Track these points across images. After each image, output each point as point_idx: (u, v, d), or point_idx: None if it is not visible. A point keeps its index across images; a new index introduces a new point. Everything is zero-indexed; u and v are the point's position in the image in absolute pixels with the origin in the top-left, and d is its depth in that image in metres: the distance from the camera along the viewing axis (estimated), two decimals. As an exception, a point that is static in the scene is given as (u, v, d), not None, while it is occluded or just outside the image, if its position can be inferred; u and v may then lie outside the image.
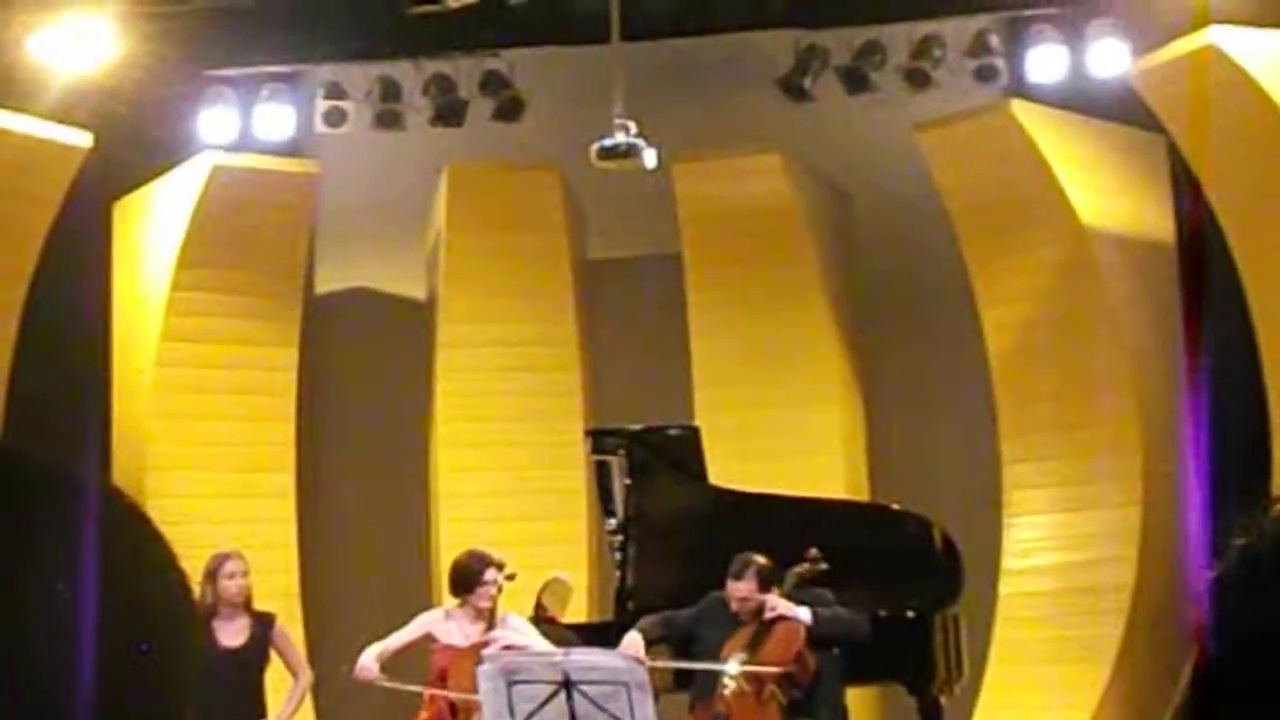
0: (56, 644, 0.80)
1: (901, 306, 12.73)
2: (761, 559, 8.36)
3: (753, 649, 8.19)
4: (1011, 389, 11.67)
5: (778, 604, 8.23)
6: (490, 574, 8.53)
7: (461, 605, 8.65)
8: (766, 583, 8.30)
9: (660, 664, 8.40)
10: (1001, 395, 11.71)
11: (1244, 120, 10.25)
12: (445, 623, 8.66)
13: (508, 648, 8.32)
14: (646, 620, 8.58)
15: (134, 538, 0.86)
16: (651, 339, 12.82)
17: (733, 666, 8.16)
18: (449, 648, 8.51)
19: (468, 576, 8.60)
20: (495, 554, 8.63)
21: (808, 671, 8.17)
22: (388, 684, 8.63)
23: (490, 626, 8.47)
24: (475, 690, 7.91)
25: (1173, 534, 11.07)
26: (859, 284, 12.89)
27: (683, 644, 8.45)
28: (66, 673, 0.80)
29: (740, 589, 8.28)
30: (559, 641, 8.50)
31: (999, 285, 11.74)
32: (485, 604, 8.55)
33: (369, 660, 8.53)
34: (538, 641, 8.56)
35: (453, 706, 8.36)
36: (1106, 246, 11.44)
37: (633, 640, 8.40)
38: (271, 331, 12.22)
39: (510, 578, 8.58)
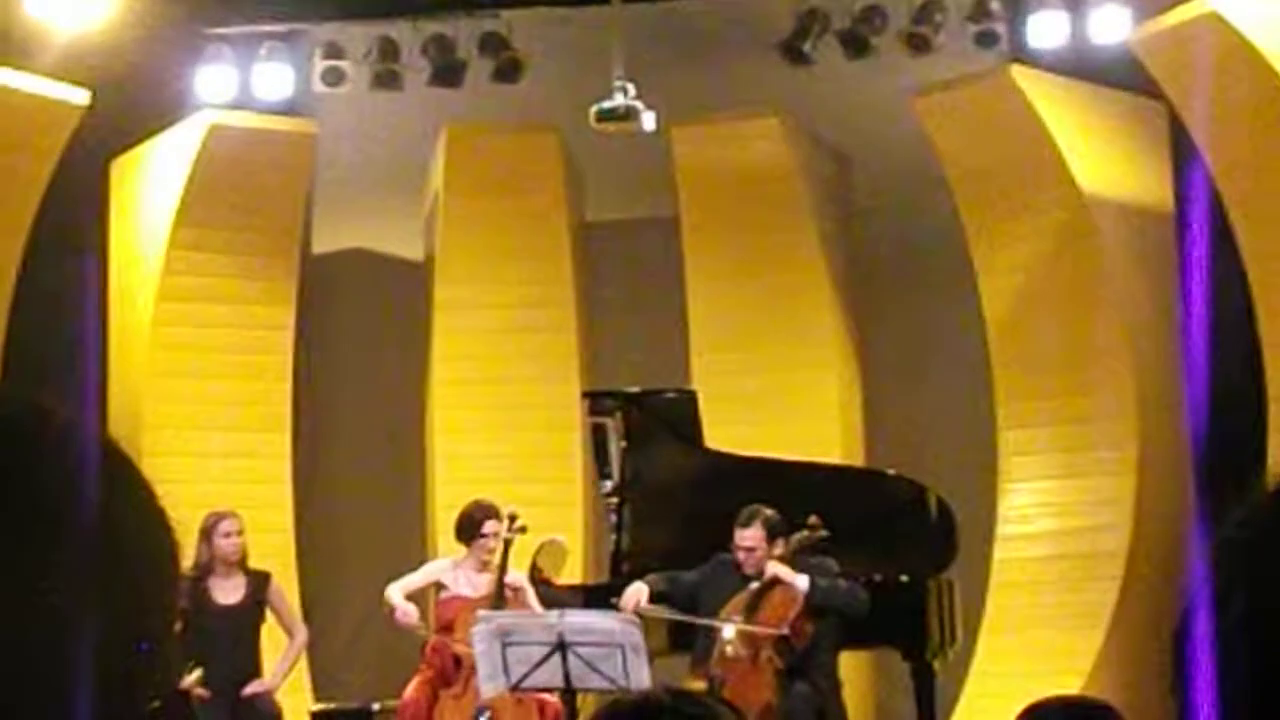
0: (60, 592, 0.80)
1: (899, 272, 12.72)
2: (769, 510, 8.39)
3: (749, 613, 8.21)
4: (1009, 355, 11.68)
5: (777, 569, 8.25)
6: (490, 525, 8.58)
7: (467, 556, 8.70)
8: (773, 533, 8.32)
9: (656, 615, 8.42)
10: (998, 361, 11.72)
11: (1245, 88, 10.23)
12: (453, 571, 8.72)
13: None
14: (654, 575, 8.63)
15: (124, 486, 0.86)
16: (649, 302, 12.81)
17: (729, 629, 8.19)
18: (456, 598, 8.57)
19: (468, 526, 8.67)
20: (503, 507, 8.68)
21: (804, 637, 8.19)
22: (424, 633, 8.67)
23: (500, 580, 8.51)
24: None
25: (1168, 502, 11.09)
26: (857, 249, 12.88)
27: (687, 604, 8.48)
28: (71, 619, 0.80)
29: (747, 537, 8.31)
30: (555, 603, 8.53)
31: (997, 251, 11.73)
32: (487, 556, 8.59)
33: (404, 601, 8.56)
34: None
35: (456, 659, 8.39)
36: (1106, 214, 11.43)
37: (636, 589, 8.44)
38: (268, 291, 12.21)
39: (521, 530, 8.61)
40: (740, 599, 8.29)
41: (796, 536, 8.46)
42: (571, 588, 9.74)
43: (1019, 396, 11.64)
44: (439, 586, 8.73)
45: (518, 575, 8.74)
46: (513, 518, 8.60)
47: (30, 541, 0.80)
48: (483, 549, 8.61)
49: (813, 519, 8.56)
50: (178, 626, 0.91)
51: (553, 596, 8.97)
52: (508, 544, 8.57)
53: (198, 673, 7.90)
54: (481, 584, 8.58)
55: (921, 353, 12.60)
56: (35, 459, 0.83)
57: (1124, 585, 10.99)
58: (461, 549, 8.82)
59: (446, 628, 8.52)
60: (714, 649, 8.22)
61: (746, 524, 8.37)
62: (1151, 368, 11.30)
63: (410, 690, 8.45)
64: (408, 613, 8.55)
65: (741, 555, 8.35)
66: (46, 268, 11.25)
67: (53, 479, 0.82)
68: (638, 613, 8.19)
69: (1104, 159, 11.59)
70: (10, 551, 0.80)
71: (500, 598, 8.45)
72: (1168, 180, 11.72)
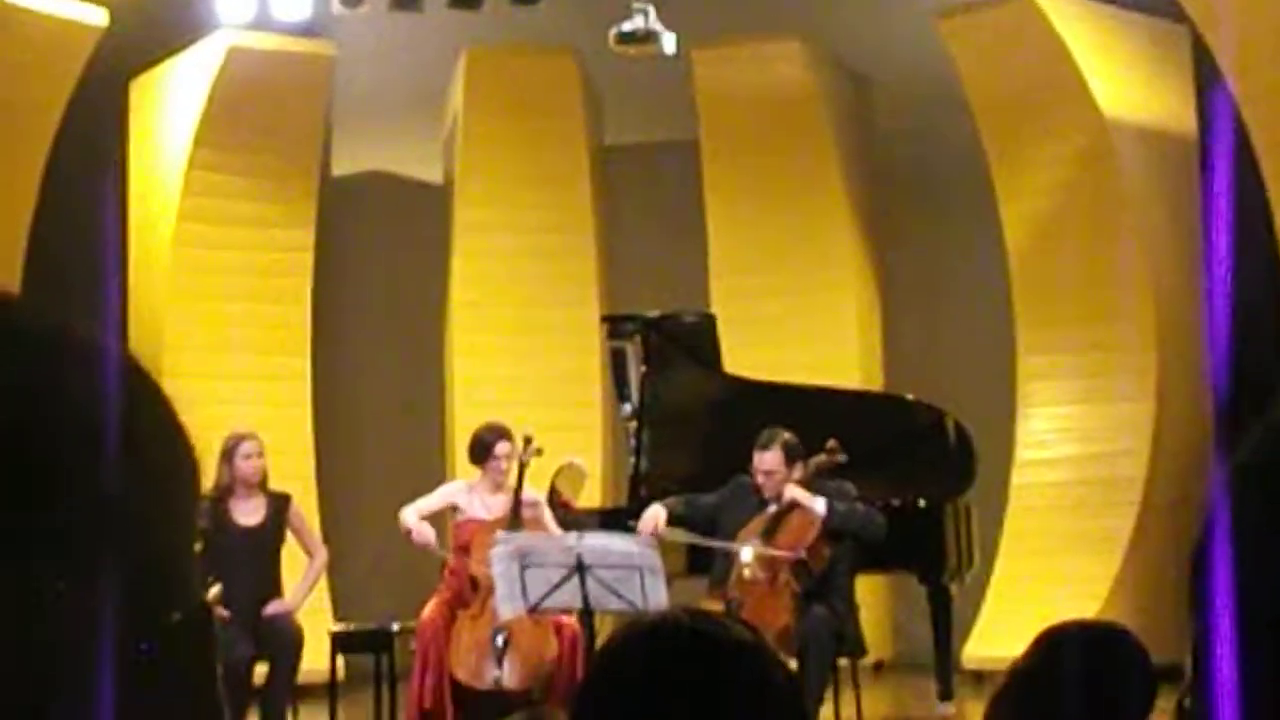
0: (84, 505, 0.81)
1: (920, 196, 12.68)
2: (788, 434, 8.39)
3: (767, 536, 8.23)
4: (1029, 280, 11.65)
5: (795, 492, 8.26)
6: (502, 447, 8.59)
7: (482, 478, 8.73)
8: (792, 457, 8.33)
9: (675, 537, 8.45)
10: (1019, 286, 11.69)
11: (1270, 12, 10.14)
12: (468, 495, 8.74)
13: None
14: (672, 498, 8.65)
15: (145, 401, 0.87)
16: (668, 225, 12.79)
17: (747, 553, 8.21)
18: (472, 520, 8.60)
19: (480, 448, 8.69)
20: (519, 430, 8.69)
21: (822, 561, 8.21)
22: (440, 553, 8.72)
23: (517, 502, 8.53)
24: None
25: (1187, 427, 11.08)
26: (878, 172, 12.84)
27: (706, 527, 8.50)
28: (94, 534, 0.81)
29: (766, 460, 8.32)
30: (574, 526, 8.56)
31: (1019, 176, 11.68)
32: (501, 477, 8.61)
33: (419, 522, 8.59)
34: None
35: (474, 581, 8.43)
36: (1128, 138, 11.37)
37: (654, 513, 8.47)
38: (288, 213, 12.21)
39: (537, 453, 8.62)
40: (758, 522, 8.31)
41: (815, 460, 8.47)
42: (590, 511, 9.76)
43: (1039, 322, 11.62)
44: (455, 509, 8.76)
45: (533, 493, 8.75)
46: (528, 440, 8.60)
47: (56, 453, 0.81)
48: (496, 470, 8.62)
49: (831, 443, 8.57)
50: (198, 547, 0.91)
51: (571, 519, 9.00)
52: (523, 466, 8.58)
53: (217, 588, 7.95)
54: (496, 505, 8.61)
55: (941, 277, 12.58)
56: (59, 372, 0.83)
57: (1142, 511, 11.00)
58: (477, 471, 8.85)
59: (463, 549, 8.56)
60: (732, 572, 8.25)
61: (765, 447, 8.38)
62: (1172, 293, 11.27)
63: (428, 611, 8.50)
64: (422, 533, 8.59)
65: (760, 478, 8.36)
66: (66, 190, 11.25)
67: (77, 392, 0.83)
68: (656, 535, 8.21)
69: (1126, 83, 11.52)
70: (37, 463, 0.80)
71: (516, 519, 8.47)
72: (1190, 105, 11.65)
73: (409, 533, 8.57)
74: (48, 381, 0.82)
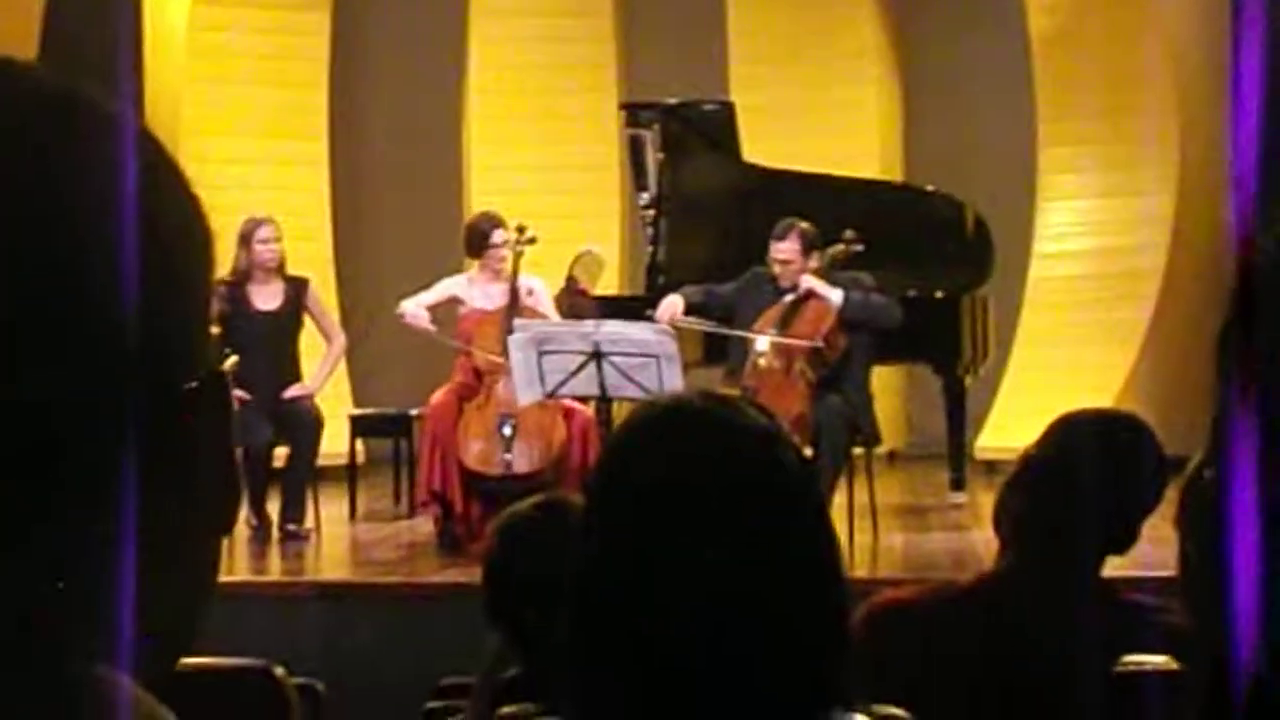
0: (102, 257, 0.81)
1: (944, -15, 12.50)
2: (805, 223, 8.38)
3: (783, 325, 8.26)
4: (1052, 72, 11.52)
5: (811, 282, 8.27)
6: (498, 235, 8.57)
7: (480, 269, 8.74)
8: (809, 246, 8.33)
9: (691, 326, 8.49)
10: (1041, 78, 11.57)
11: None
12: (469, 287, 8.75)
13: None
14: (689, 287, 8.68)
15: (159, 169, 0.87)
16: (688, 12, 12.64)
17: (763, 342, 8.24)
18: (475, 311, 8.62)
19: (476, 238, 8.67)
20: (511, 219, 8.67)
21: (836, 350, 8.24)
22: (436, 336, 8.76)
23: (514, 290, 8.53)
24: (501, 354, 8.04)
25: (1207, 220, 11.02)
26: (901, -40, 12.64)
27: (722, 316, 8.54)
28: (112, 282, 0.81)
29: (783, 250, 8.33)
30: (590, 314, 8.57)
31: (1044, -36, 11.51)
32: (499, 265, 8.61)
33: (418, 308, 8.64)
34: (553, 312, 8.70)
35: (477, 372, 8.48)
36: (1156, -74, 11.17)
37: (672, 301, 8.51)
38: (303, -6, 12.11)
39: (530, 241, 8.61)
40: (774, 311, 8.33)
41: (832, 250, 8.47)
42: (607, 299, 9.78)
43: (1060, 114, 11.52)
44: (458, 301, 8.77)
45: (529, 279, 8.73)
46: (521, 229, 8.59)
47: (70, 215, 0.81)
48: (494, 259, 8.61)
49: (848, 233, 8.56)
50: (216, 330, 0.91)
51: (588, 308, 9.01)
52: (518, 255, 8.57)
53: (234, 359, 7.96)
54: (497, 294, 8.61)
55: (963, 67, 12.43)
56: (72, 133, 0.83)
57: (1159, 305, 11.00)
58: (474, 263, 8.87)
59: (467, 340, 8.60)
60: (747, 360, 8.29)
61: (782, 237, 8.37)
62: (1196, 85, 11.13)
63: (437, 396, 8.54)
64: (417, 315, 8.63)
65: (777, 268, 8.37)
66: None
67: (90, 154, 0.82)
68: (673, 324, 8.24)
69: None
70: (50, 223, 0.80)
71: (515, 307, 8.47)
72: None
73: (403, 317, 8.64)
74: (60, 142, 0.82)
